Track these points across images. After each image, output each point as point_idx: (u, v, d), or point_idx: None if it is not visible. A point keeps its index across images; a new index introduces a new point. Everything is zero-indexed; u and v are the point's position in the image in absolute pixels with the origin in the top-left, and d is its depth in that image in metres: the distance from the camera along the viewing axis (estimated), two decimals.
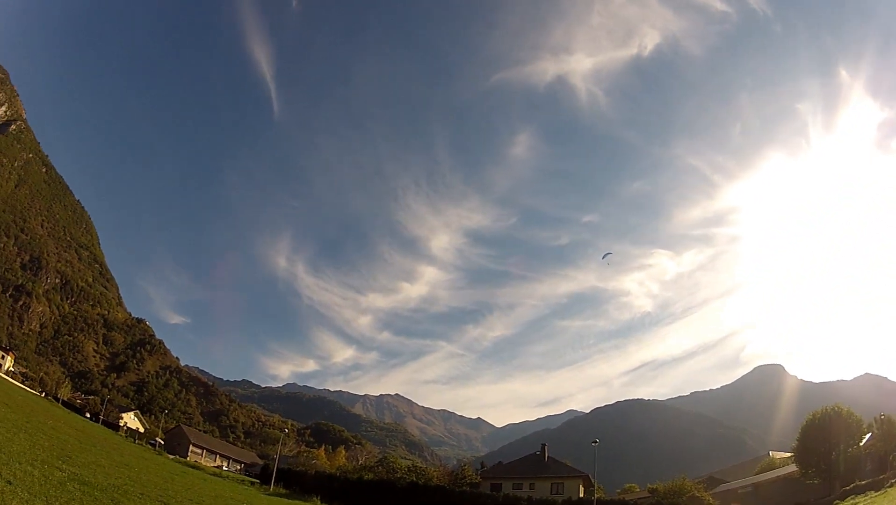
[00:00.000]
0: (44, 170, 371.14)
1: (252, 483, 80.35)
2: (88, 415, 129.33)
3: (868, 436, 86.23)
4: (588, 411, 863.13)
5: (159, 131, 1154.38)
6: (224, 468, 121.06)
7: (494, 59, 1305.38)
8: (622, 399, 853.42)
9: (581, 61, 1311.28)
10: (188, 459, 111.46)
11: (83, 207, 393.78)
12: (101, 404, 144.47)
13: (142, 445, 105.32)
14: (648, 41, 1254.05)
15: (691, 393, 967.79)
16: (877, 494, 62.39)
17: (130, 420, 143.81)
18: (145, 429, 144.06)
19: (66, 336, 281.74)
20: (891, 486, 63.77)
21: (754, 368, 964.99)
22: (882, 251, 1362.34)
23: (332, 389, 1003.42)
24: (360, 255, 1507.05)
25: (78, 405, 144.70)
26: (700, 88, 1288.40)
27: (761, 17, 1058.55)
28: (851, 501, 64.65)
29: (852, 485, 71.97)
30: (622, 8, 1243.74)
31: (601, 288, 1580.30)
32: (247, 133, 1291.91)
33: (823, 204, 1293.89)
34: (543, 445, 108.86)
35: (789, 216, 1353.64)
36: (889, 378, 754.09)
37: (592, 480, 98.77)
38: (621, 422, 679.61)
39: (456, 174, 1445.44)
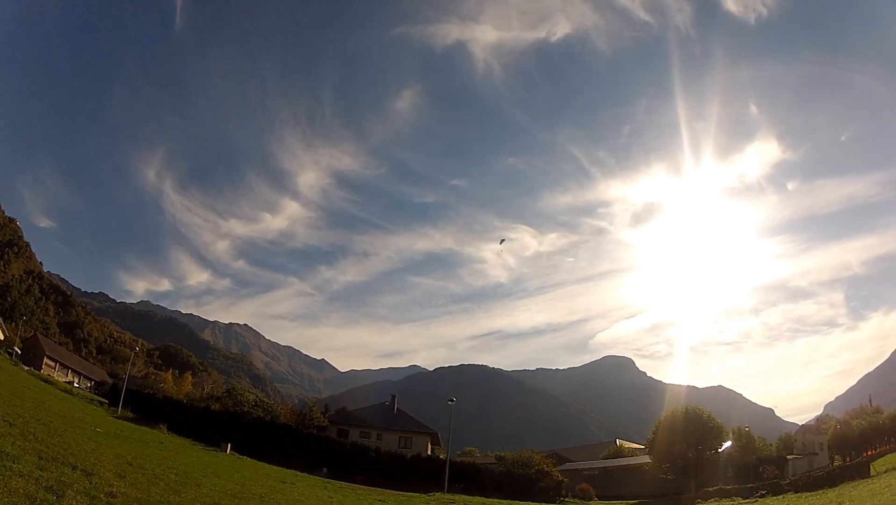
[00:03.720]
0: None
1: (101, 403, 79.34)
2: None
3: (727, 444, 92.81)
4: (431, 369, 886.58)
5: (56, 29, 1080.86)
6: (75, 385, 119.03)
7: (399, 12, 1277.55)
8: (466, 362, 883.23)
9: (486, 32, 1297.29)
10: (42, 371, 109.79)
11: None
12: None
13: (0, 353, 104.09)
14: (559, 29, 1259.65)
15: (537, 369, 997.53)
16: (745, 501, 65.78)
17: None
18: (5, 336, 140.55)
19: None
20: (761, 496, 67.03)
21: (604, 357, 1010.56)
22: (747, 280, 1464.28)
23: (184, 312, 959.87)
24: (227, 179, 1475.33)
25: None
26: (598, 85, 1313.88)
27: (682, 36, 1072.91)
28: (716, 503, 68.21)
29: (716, 487, 75.83)
30: None
31: (457, 252, 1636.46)
32: (144, 42, 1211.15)
33: (695, 224, 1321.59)
34: (393, 397, 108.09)
35: (658, 225, 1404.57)
36: (743, 395, 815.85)
37: (440, 439, 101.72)
38: (464, 384, 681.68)
39: (336, 117, 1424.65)
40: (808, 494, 62.65)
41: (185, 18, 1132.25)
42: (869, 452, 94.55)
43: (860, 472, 69.21)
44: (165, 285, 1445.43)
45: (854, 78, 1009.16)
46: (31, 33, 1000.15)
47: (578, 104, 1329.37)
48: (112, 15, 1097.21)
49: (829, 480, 68.19)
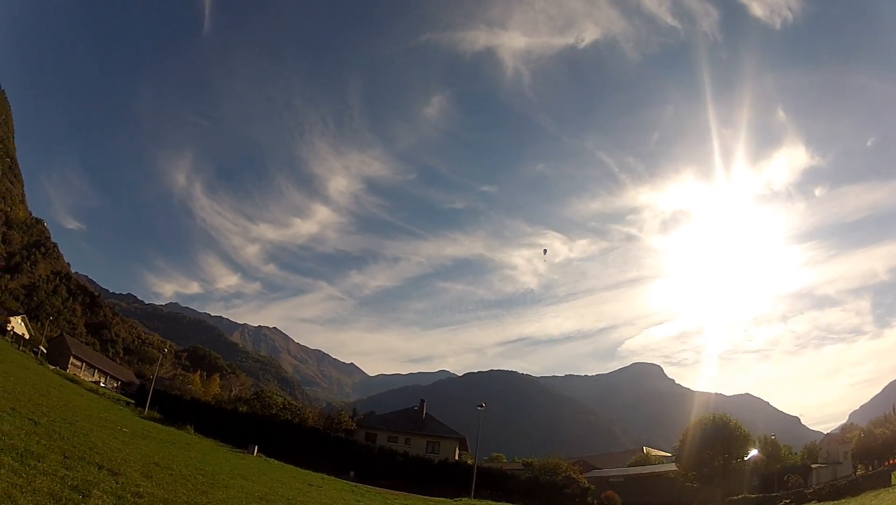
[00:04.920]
0: None
1: (127, 403, 78.69)
2: None
3: (753, 452, 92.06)
4: (461, 375, 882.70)
5: (85, 31, 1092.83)
6: (101, 384, 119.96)
7: (427, 18, 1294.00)
8: (495, 368, 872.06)
9: (514, 39, 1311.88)
10: (68, 371, 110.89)
11: (6, 96, 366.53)
12: None
13: (25, 352, 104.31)
14: (587, 35, 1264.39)
15: (566, 375, 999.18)
16: None
17: (18, 325, 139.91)
18: (31, 336, 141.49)
19: None
20: None
21: (632, 364, 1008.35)
22: (774, 288, 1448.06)
23: (212, 314, 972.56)
24: (257, 184, 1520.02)
25: None
26: (626, 91, 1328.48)
27: (710, 42, 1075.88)
28: None
29: (741, 496, 75.88)
30: None
31: (488, 258, 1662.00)
32: (172, 44, 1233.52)
33: (723, 231, 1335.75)
34: (422, 402, 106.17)
35: (687, 232, 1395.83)
36: (770, 403, 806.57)
37: (467, 445, 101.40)
38: (492, 390, 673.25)
39: (364, 121, 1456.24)
40: (831, 503, 63.28)
41: (212, 21, 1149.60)
42: (891, 461, 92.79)
43: (882, 480, 68.69)
44: (194, 288, 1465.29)
45: (877, 84, 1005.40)
46: (60, 35, 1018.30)
47: (607, 110, 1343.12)
48: (140, 17, 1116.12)
49: (852, 488, 68.04)
